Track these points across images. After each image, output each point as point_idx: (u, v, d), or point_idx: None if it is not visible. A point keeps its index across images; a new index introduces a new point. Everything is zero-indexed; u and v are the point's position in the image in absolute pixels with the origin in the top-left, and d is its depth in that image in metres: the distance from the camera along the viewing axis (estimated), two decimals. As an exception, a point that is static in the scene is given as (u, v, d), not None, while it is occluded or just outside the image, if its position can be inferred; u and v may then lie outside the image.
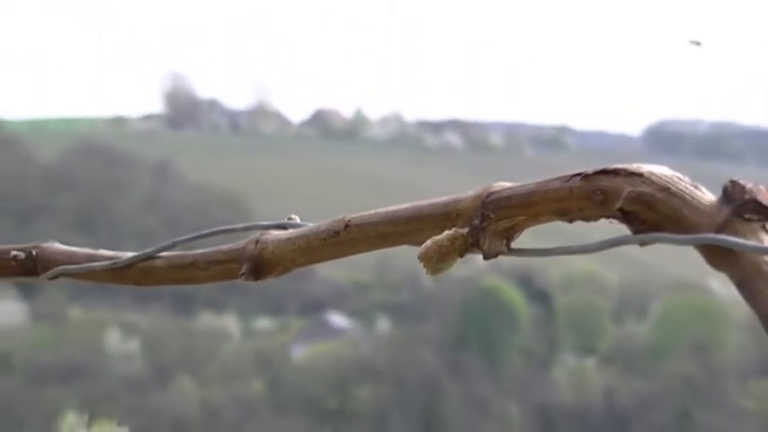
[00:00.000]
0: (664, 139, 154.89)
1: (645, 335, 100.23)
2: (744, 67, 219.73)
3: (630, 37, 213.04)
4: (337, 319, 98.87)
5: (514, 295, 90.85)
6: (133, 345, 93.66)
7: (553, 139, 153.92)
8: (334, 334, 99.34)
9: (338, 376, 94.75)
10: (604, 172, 1.04)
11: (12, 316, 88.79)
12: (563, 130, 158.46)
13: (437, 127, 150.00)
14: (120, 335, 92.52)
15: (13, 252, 1.61)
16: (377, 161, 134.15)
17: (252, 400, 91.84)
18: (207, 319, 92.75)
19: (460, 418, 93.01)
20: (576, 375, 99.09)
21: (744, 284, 0.99)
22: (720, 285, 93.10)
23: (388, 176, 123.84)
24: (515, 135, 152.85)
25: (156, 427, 68.80)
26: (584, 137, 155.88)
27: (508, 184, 1.15)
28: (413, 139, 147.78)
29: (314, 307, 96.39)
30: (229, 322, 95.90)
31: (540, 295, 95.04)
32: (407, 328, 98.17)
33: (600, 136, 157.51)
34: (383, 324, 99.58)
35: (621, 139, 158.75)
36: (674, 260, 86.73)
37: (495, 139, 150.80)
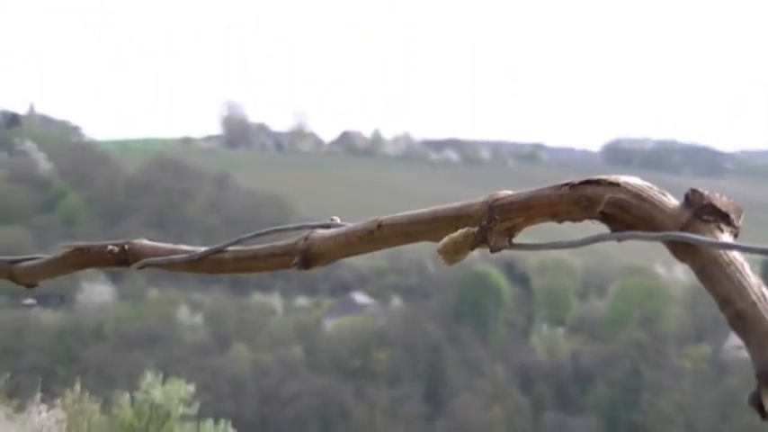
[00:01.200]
0: (618, 154, 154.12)
1: (603, 309, 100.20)
2: (683, 94, 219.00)
3: (592, 69, 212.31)
4: (360, 298, 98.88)
5: (500, 278, 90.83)
6: (198, 318, 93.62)
7: (530, 154, 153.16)
8: (358, 309, 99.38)
9: (360, 343, 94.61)
10: (588, 182, 1.11)
11: (102, 296, 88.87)
12: (538, 146, 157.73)
13: (438, 145, 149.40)
14: (187, 310, 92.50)
15: (110, 247, 1.66)
16: (391, 173, 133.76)
17: (293, 362, 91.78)
18: (257, 298, 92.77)
19: (457, 375, 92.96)
20: (548, 341, 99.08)
21: (703, 273, 1.00)
22: (663, 270, 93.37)
23: (400, 185, 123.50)
24: (500, 151, 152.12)
25: (216, 385, 68.78)
26: (555, 152, 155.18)
27: (510, 192, 1.17)
28: (419, 155, 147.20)
29: (341, 288, 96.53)
30: (275, 301, 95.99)
31: (520, 278, 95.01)
32: (415, 304, 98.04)
33: (567, 151, 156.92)
34: (396, 301, 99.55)
35: (585, 154, 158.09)
36: (626, 251, 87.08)
37: (484, 154, 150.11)
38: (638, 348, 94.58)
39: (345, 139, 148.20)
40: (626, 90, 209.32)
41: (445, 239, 1.14)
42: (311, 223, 1.40)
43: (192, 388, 33.48)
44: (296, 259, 1.34)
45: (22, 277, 1.82)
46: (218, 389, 66.34)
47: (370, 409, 77.55)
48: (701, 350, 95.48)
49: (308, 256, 1.33)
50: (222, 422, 33.46)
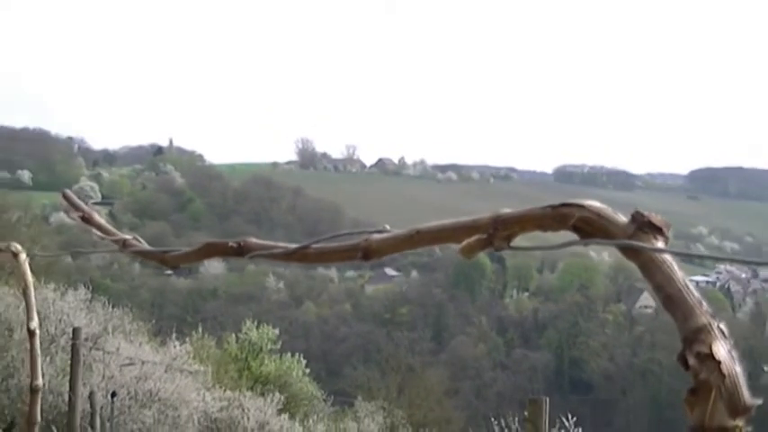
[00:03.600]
0: (564, 175, 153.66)
1: (554, 280, 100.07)
2: (607, 133, 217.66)
3: (546, 114, 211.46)
4: (390, 271, 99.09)
5: (485, 259, 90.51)
6: (281, 284, 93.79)
7: (505, 175, 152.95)
8: (388, 279, 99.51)
9: (389, 302, 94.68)
10: (564, 204, 1.09)
11: (216, 269, 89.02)
12: (510, 169, 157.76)
13: (443, 168, 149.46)
14: (273, 279, 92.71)
15: (231, 243, 1.64)
16: (410, 187, 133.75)
17: (344, 314, 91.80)
18: (321, 272, 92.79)
19: (454, 324, 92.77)
20: (517, 302, 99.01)
21: (644, 268, 0.98)
22: (594, 254, 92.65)
23: (417, 196, 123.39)
24: (484, 172, 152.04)
25: (293, 329, 68.82)
26: (521, 173, 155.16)
27: (509, 210, 1.15)
28: (430, 175, 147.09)
29: (378, 265, 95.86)
30: (332, 273, 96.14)
31: (498, 258, 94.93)
32: (426, 276, 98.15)
33: (530, 173, 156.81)
34: (414, 274, 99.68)
35: (542, 175, 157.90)
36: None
37: (474, 174, 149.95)
38: (576, 306, 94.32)
39: (380, 164, 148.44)
40: (569, 129, 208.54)
41: (464, 243, 1.15)
42: (369, 230, 1.36)
43: (276, 331, 33.48)
44: (359, 254, 1.33)
45: (170, 262, 1.80)
46: (294, 332, 66.33)
47: (395, 346, 77.35)
48: (619, 308, 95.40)
49: (368, 253, 1.32)
50: (297, 355, 33.40)
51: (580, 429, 8.18)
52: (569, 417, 8.23)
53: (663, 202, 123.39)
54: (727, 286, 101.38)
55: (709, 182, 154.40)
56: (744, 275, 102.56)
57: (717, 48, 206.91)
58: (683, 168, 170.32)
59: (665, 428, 71.58)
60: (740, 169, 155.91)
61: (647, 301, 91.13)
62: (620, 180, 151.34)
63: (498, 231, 1.14)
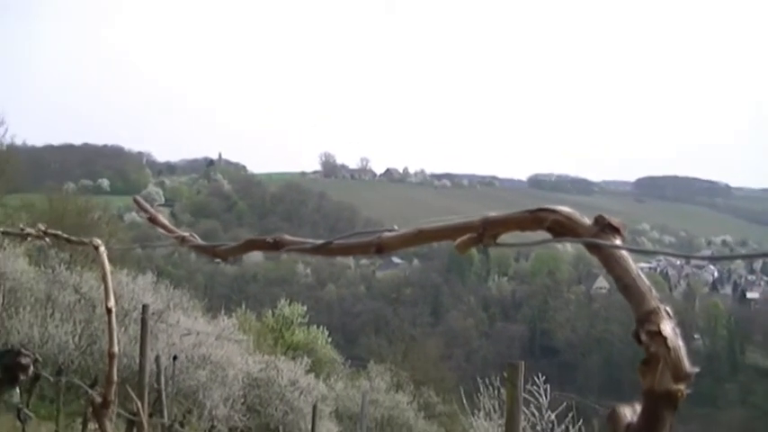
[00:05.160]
0: (537, 183, 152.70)
1: (528, 266, 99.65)
2: (569, 147, 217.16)
3: (521, 130, 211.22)
4: (396, 259, 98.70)
5: (473, 250, 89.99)
6: (308, 270, 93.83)
7: (489, 182, 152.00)
8: (395, 266, 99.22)
9: (396, 284, 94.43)
10: (540, 209, 1.08)
11: (256, 257, 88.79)
12: (493, 177, 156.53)
13: (439, 176, 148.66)
14: (302, 266, 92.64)
15: (268, 239, 1.62)
16: (413, 193, 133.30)
17: (359, 294, 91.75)
18: (340, 260, 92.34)
19: (448, 302, 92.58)
20: (498, 285, 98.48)
21: (605, 261, 0.98)
22: (560, 247, 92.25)
23: (418, 199, 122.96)
24: (472, 180, 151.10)
25: (318, 306, 68.71)
26: (502, 181, 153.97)
27: (495, 213, 1.15)
28: (429, 182, 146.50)
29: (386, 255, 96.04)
30: (350, 261, 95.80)
31: (484, 250, 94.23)
32: (426, 263, 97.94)
33: (509, 180, 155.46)
34: (416, 261, 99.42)
35: (518, 182, 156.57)
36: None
37: (464, 182, 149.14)
38: (546, 288, 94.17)
39: (388, 173, 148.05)
40: (540, 145, 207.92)
41: (458, 240, 1.17)
42: (382, 228, 1.35)
43: (304, 308, 33.53)
44: (374, 249, 1.33)
45: (219, 255, 1.79)
46: (319, 309, 66.32)
47: (400, 320, 77.30)
48: (580, 289, 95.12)
49: (381, 247, 1.32)
50: (321, 327, 33.40)
51: (548, 386, 8.18)
52: (540, 376, 8.21)
53: (615, 204, 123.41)
54: (665, 271, 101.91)
55: (651, 188, 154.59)
56: (678, 263, 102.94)
57: (656, 76, 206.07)
58: (631, 176, 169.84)
59: (616, 384, 71.78)
60: (676, 177, 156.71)
61: (602, 283, 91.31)
62: (581, 186, 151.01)
63: (487, 231, 1.14)
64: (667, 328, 0.90)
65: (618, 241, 1.00)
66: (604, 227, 1.01)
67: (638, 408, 0.91)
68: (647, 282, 0.95)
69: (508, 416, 6.80)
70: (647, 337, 0.89)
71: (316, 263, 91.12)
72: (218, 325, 16.85)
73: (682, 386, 0.88)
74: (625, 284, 0.95)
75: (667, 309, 0.92)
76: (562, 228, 1.05)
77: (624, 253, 0.98)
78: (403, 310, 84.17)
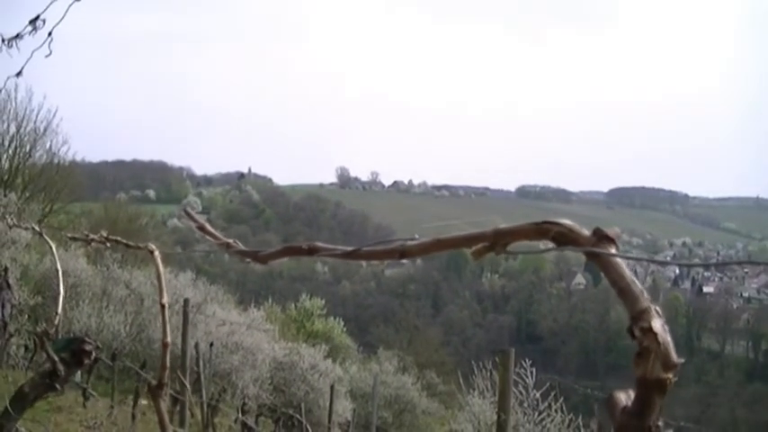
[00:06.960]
0: (524, 193, 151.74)
1: (516, 265, 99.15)
2: (552, 160, 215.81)
3: (510, 146, 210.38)
4: (402, 260, 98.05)
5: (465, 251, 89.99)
6: (326, 268, 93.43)
7: (482, 192, 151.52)
8: (401, 265, 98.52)
9: (402, 281, 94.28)
10: (545, 222, 1.05)
11: (311, 261, 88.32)
12: (485, 188, 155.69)
13: (439, 188, 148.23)
14: (321, 264, 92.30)
15: (303, 246, 1.56)
16: (416, 202, 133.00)
17: (370, 290, 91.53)
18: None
19: (447, 296, 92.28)
20: (490, 281, 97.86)
21: (603, 268, 0.97)
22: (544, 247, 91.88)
23: (421, 208, 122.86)
24: (467, 190, 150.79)
25: (334, 300, 68.45)
26: (494, 191, 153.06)
27: (505, 224, 1.12)
28: (430, 192, 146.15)
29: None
30: (362, 261, 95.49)
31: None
32: (428, 262, 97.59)
33: (500, 191, 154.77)
34: (419, 261, 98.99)
35: (507, 192, 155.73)
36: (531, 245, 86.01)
37: (461, 192, 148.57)
38: (531, 284, 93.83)
39: (395, 185, 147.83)
40: (526, 159, 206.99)
41: (473, 249, 1.15)
42: (404, 238, 1.36)
43: (322, 301, 33.55)
44: (397, 255, 1.33)
45: (259, 259, 1.80)
46: (335, 302, 66.22)
47: (406, 312, 77.17)
48: (561, 285, 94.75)
49: (404, 254, 1.32)
50: (337, 318, 33.38)
51: (534, 369, 8.21)
52: (526, 360, 8.24)
53: (590, 211, 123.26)
54: (634, 269, 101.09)
55: (621, 196, 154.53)
56: (644, 262, 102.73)
57: (625, 99, 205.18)
58: (604, 187, 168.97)
59: (591, 367, 71.92)
60: (643, 188, 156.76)
61: (580, 279, 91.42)
62: (561, 195, 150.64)
63: (498, 241, 1.13)
64: (657, 324, 0.90)
65: (613, 250, 0.99)
66: (601, 237, 1.00)
67: (632, 393, 0.91)
68: (640, 285, 0.94)
69: (500, 394, 6.83)
70: (641, 333, 0.89)
71: (333, 262, 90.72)
72: (249, 316, 16.87)
73: (670, 374, 0.88)
74: (620, 288, 0.94)
75: (657, 308, 0.92)
76: (564, 238, 1.04)
77: (619, 260, 0.97)
78: (408, 303, 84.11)
